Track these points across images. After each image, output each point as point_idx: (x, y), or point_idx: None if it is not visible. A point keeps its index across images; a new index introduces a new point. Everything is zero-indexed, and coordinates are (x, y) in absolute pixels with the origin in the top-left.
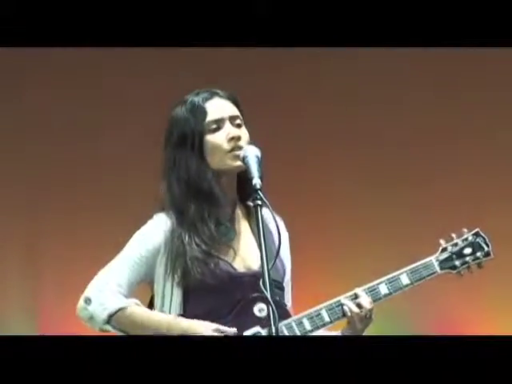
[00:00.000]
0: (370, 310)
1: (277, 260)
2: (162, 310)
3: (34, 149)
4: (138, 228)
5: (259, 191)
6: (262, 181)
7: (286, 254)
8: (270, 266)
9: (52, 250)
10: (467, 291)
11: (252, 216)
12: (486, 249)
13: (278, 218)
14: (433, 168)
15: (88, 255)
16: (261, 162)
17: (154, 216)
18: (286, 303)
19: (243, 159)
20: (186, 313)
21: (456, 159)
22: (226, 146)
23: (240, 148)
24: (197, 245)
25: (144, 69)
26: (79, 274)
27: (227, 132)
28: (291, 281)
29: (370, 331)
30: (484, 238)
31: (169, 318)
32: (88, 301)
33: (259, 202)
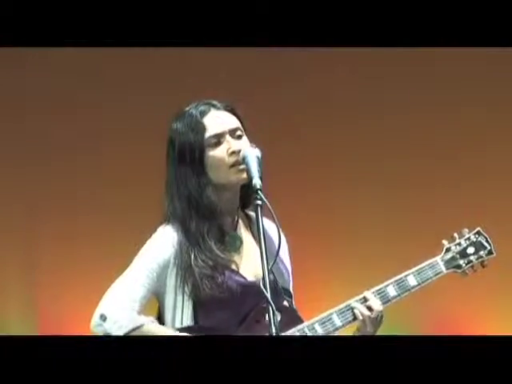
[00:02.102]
0: (381, 312)
1: (281, 266)
2: (173, 322)
3: (33, 148)
4: (137, 231)
5: (259, 191)
6: (262, 181)
7: (287, 261)
8: (270, 267)
9: (51, 252)
10: (467, 291)
11: (253, 223)
12: (488, 247)
13: (272, 223)
14: (433, 170)
15: (87, 257)
16: (261, 163)
17: (160, 228)
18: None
19: (243, 159)
20: (197, 324)
21: (456, 160)
22: (228, 160)
23: (242, 162)
24: (202, 261)
25: (144, 69)
26: (78, 275)
27: (228, 146)
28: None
29: None
30: (485, 237)
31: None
32: (103, 317)
33: (259, 202)
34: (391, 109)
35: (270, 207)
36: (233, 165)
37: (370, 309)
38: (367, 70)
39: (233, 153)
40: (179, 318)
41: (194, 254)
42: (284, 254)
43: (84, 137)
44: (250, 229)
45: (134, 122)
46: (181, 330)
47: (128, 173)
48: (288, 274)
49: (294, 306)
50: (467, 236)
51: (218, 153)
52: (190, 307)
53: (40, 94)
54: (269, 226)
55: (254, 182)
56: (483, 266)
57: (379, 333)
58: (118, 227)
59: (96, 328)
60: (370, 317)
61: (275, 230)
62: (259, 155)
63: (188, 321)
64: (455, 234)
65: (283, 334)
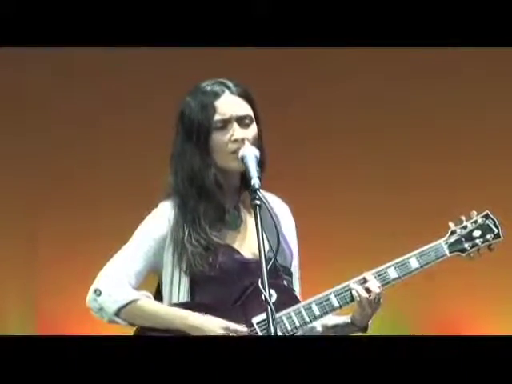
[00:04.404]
0: (379, 294)
1: (284, 245)
2: (170, 298)
3: (33, 147)
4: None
5: (258, 191)
6: (260, 181)
7: (293, 240)
8: (274, 255)
9: (50, 251)
10: (467, 291)
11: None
12: (495, 231)
13: (285, 205)
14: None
15: (86, 256)
16: (259, 162)
17: (160, 204)
18: (295, 288)
19: (242, 159)
20: (193, 300)
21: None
22: (229, 147)
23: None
24: (196, 240)
25: (144, 69)
26: (77, 275)
27: (232, 133)
28: (299, 267)
29: (370, 331)
30: (494, 220)
31: (178, 312)
32: (98, 292)
33: (258, 202)
34: (392, 104)
35: (269, 208)
36: (233, 152)
37: (368, 290)
38: (367, 69)
39: (235, 141)
40: (176, 294)
41: (189, 232)
42: (289, 232)
43: (84, 134)
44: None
45: (133, 121)
46: (176, 306)
47: (128, 172)
48: (290, 252)
49: (295, 285)
50: (474, 219)
51: (222, 138)
52: (187, 283)
53: (39, 94)
54: (278, 204)
55: (252, 182)
56: (490, 250)
57: (379, 332)
58: (119, 226)
59: (91, 303)
60: (367, 298)
61: (286, 209)
62: (258, 155)
63: (184, 297)
64: (462, 217)
65: (278, 313)
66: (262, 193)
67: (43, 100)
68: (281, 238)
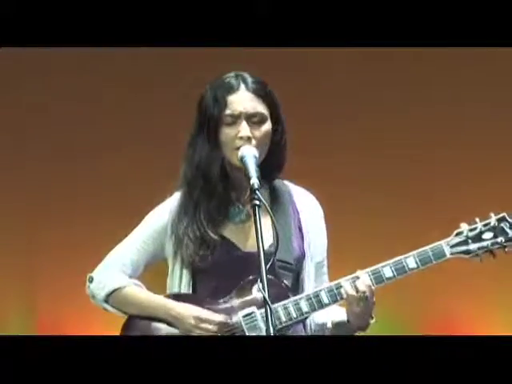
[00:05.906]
0: (365, 293)
1: (293, 243)
2: (171, 289)
3: (32, 150)
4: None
5: (257, 191)
6: (259, 181)
7: (316, 230)
8: (275, 248)
9: (50, 252)
10: (467, 291)
11: (274, 192)
12: (510, 234)
13: (310, 195)
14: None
15: (86, 257)
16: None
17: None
18: (295, 284)
19: (241, 159)
20: (196, 292)
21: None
22: (235, 143)
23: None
24: (192, 231)
25: (144, 69)
26: (77, 275)
27: (239, 130)
28: (327, 260)
29: (369, 331)
30: (510, 223)
31: (161, 301)
32: (90, 279)
33: (257, 202)
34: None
35: (268, 208)
36: (237, 148)
37: (356, 288)
38: (368, 69)
39: (240, 138)
40: (177, 285)
41: (187, 223)
42: (312, 222)
43: (84, 134)
44: (270, 199)
45: (134, 123)
46: (174, 296)
47: (128, 178)
48: (301, 252)
49: (316, 277)
50: (487, 221)
51: (229, 133)
52: (188, 275)
53: (39, 95)
54: (302, 194)
55: (251, 181)
56: (506, 252)
57: (378, 332)
58: (117, 228)
59: (86, 290)
60: (354, 296)
61: (310, 199)
62: (257, 154)
63: (185, 288)
64: (477, 219)
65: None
66: (286, 183)
67: (42, 102)
68: (290, 234)
